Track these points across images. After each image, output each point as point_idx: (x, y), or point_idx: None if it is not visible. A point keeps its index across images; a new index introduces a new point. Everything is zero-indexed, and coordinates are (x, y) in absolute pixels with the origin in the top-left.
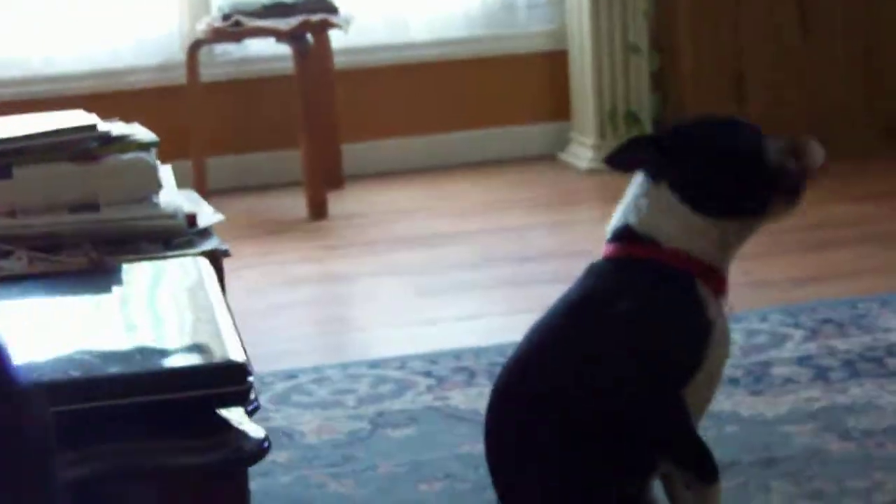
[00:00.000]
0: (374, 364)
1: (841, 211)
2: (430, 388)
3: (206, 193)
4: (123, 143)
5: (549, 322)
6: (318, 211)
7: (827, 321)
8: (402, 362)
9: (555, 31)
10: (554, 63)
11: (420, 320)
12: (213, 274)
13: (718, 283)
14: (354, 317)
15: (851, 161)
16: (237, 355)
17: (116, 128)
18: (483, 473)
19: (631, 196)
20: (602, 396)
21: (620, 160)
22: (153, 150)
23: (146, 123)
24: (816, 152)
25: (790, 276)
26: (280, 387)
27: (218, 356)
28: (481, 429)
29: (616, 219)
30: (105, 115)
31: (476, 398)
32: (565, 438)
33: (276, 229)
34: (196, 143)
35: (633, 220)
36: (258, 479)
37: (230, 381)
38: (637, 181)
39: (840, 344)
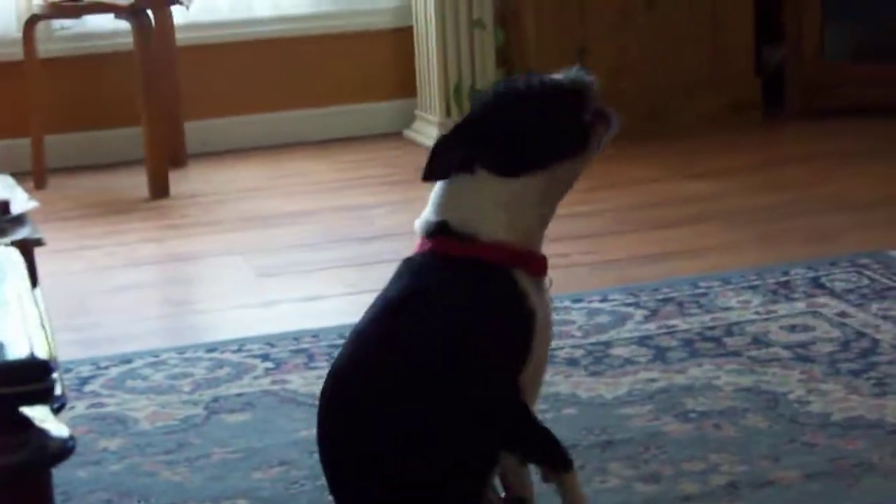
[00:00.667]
0: (211, 347)
1: (682, 188)
2: (267, 372)
3: (46, 172)
4: None
5: (371, 323)
6: (160, 190)
7: (668, 300)
8: (239, 345)
9: (400, 7)
10: (399, 40)
11: (260, 302)
12: (22, 264)
13: (538, 265)
14: (194, 299)
15: (695, 136)
16: (39, 351)
17: None
18: (318, 458)
19: (444, 191)
20: (433, 396)
21: (438, 170)
22: None
23: None
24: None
25: (632, 255)
26: (115, 371)
27: (18, 352)
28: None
29: (430, 213)
30: None
31: (315, 381)
32: (400, 439)
33: (119, 208)
34: (35, 121)
35: (450, 216)
36: (88, 468)
37: (32, 378)
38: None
39: (680, 323)
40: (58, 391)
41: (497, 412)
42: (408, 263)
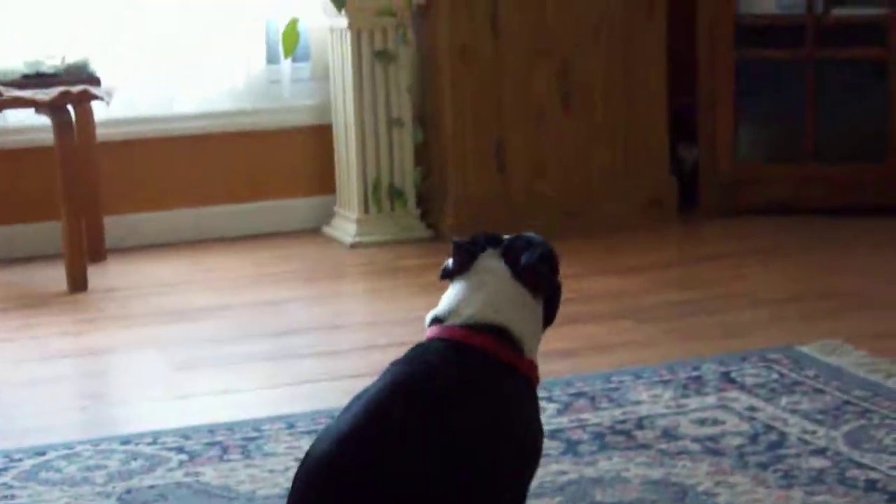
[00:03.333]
0: (126, 440)
1: (598, 285)
2: (181, 464)
3: None
4: None
5: (411, 410)
6: (78, 284)
7: (580, 394)
8: (154, 437)
9: (319, 105)
10: (319, 137)
11: (175, 395)
12: None
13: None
14: (110, 392)
15: (611, 234)
16: None
17: None
18: None
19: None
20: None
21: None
22: None
23: None
24: None
25: (547, 350)
26: (28, 463)
27: None
28: None
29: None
30: None
31: (228, 473)
32: None
33: (36, 302)
34: None
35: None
36: None
37: None
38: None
39: (592, 417)
40: None
41: None
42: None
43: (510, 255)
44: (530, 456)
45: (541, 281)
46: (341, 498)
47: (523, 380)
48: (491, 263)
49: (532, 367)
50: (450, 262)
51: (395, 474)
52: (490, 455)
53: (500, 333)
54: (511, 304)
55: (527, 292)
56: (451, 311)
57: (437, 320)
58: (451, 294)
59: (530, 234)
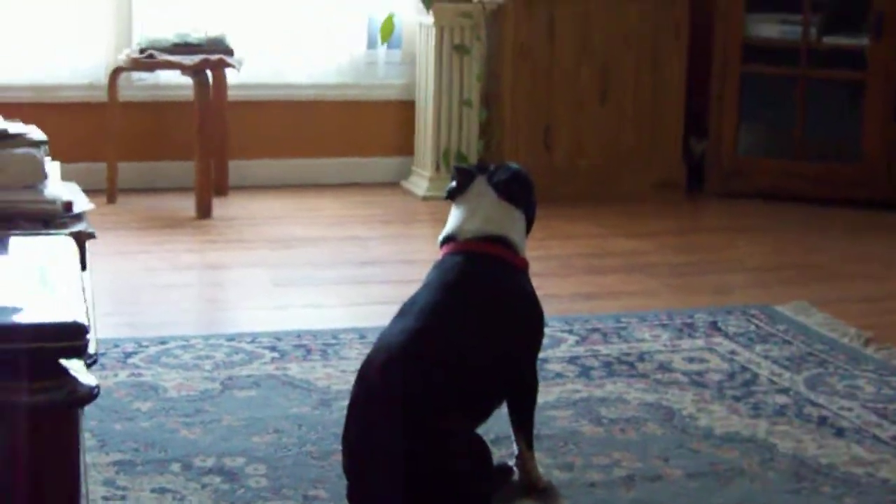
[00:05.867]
0: (231, 337)
1: (616, 244)
2: (273, 360)
3: (116, 190)
4: (17, 139)
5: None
6: (204, 212)
7: (595, 330)
8: (253, 337)
9: (406, 84)
10: (403, 110)
11: (273, 305)
12: (76, 251)
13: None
14: (222, 298)
15: (630, 204)
16: (79, 317)
17: (14, 127)
18: (305, 430)
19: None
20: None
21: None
22: (43, 148)
23: (74, 131)
24: None
25: (571, 293)
26: (153, 350)
27: (63, 317)
28: (310, 395)
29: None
30: (41, 122)
31: (309, 370)
32: (462, 395)
33: (170, 224)
34: (111, 150)
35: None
36: (123, 423)
37: (71, 337)
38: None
39: (603, 349)
40: (90, 350)
41: (533, 387)
42: (479, 259)
43: (493, 180)
44: (541, 325)
45: (513, 195)
46: (414, 373)
47: (525, 274)
48: (481, 188)
49: (526, 263)
50: (453, 183)
51: (456, 354)
52: (518, 327)
53: (501, 241)
54: (503, 218)
55: (512, 207)
56: (460, 230)
57: (449, 239)
58: (456, 216)
59: (510, 163)
